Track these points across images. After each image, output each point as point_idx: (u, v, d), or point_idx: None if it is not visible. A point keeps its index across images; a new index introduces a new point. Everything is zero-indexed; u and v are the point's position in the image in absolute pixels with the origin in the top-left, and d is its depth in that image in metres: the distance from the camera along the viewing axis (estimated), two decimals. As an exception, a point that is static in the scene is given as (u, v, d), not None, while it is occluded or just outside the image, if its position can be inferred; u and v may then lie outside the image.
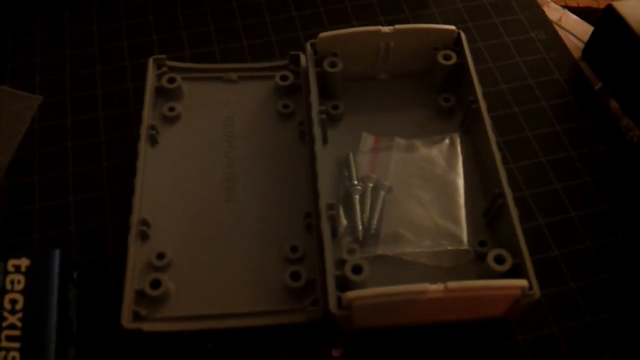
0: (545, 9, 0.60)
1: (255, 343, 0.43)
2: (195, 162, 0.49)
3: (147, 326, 0.42)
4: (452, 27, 0.51)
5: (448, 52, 0.51)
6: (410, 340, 0.43)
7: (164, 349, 0.42)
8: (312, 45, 0.51)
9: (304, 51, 0.52)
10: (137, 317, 0.42)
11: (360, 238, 0.45)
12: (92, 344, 0.42)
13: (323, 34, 0.50)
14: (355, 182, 0.47)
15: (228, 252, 0.45)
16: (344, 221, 0.46)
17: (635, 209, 0.49)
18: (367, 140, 0.50)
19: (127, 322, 0.41)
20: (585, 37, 0.57)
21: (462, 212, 0.45)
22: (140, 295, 0.43)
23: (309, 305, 0.43)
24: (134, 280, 0.43)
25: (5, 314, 0.39)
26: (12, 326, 0.39)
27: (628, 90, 0.54)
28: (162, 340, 0.42)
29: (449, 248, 0.44)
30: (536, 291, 0.40)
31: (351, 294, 0.39)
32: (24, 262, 0.41)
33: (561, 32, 0.59)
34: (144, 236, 0.45)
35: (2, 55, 0.55)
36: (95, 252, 0.46)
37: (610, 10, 0.52)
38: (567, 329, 0.44)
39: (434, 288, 0.39)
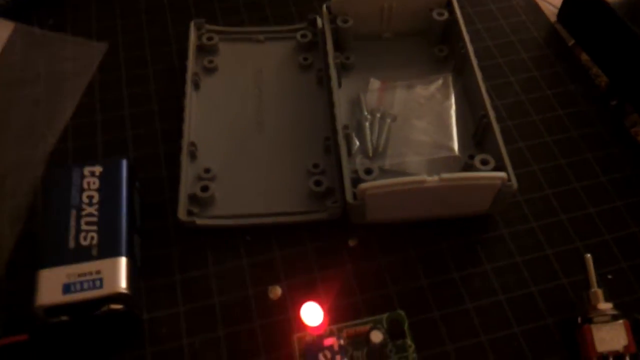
0: (524, -19, 0.70)
1: (285, 237, 0.52)
2: (231, 103, 0.59)
3: (199, 221, 0.51)
4: (444, -11, 0.61)
5: (441, 10, 0.61)
6: (412, 233, 0.52)
7: (212, 241, 0.51)
8: (328, 7, 0.61)
9: (320, 16, 0.62)
10: (190, 213, 0.51)
11: (371, 155, 0.55)
12: (153, 235, 0.51)
13: (336, -3, 0.60)
14: (366, 113, 0.57)
15: (262, 168, 0.55)
16: (357, 142, 0.55)
17: (602, 134, 0.58)
18: (375, 84, 0.60)
19: (182, 216, 0.51)
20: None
21: (454, 129, 0.55)
22: (192, 197, 0.52)
23: (330, 205, 0.52)
24: (187, 185, 0.52)
25: (84, 205, 0.48)
26: (90, 214, 0.48)
27: (597, 45, 0.63)
28: (210, 234, 0.52)
29: (443, 155, 0.53)
30: (514, 183, 0.49)
31: (364, 185, 0.48)
32: (97, 169, 0.50)
33: (538, 1, 0.69)
34: (192, 156, 0.55)
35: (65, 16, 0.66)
36: (150, 173, 0.55)
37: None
38: (544, 224, 0.53)
39: (431, 179, 0.48)
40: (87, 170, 0.50)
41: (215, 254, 0.51)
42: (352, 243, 0.52)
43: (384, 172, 0.54)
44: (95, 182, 0.50)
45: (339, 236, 0.52)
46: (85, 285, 0.45)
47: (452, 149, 0.54)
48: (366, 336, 0.42)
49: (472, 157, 0.53)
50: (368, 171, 0.51)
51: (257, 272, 0.50)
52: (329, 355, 0.41)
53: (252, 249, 0.51)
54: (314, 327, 0.41)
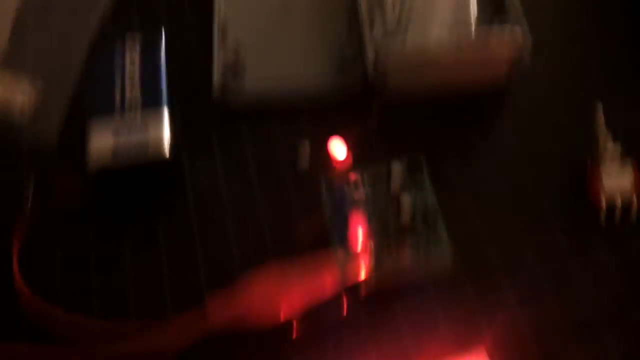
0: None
1: (312, 115, 0.56)
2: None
3: (232, 104, 0.56)
4: None
5: None
6: (434, 110, 0.55)
7: (246, 120, 0.56)
8: None
9: None
10: (223, 95, 0.56)
11: (393, 27, 0.57)
12: (189, 119, 0.55)
13: None
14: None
15: (289, 47, 0.59)
16: (379, 15, 0.58)
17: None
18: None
19: (216, 96, 0.56)
20: None
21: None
22: (224, 80, 0.56)
23: (354, 77, 0.56)
24: (219, 68, 0.57)
25: (128, 74, 0.53)
26: (133, 83, 0.53)
27: None
28: (244, 114, 0.56)
29: (463, 25, 0.56)
30: (529, 42, 0.52)
31: (387, 56, 0.52)
32: (136, 43, 0.55)
33: None
34: (224, 36, 0.59)
35: None
36: (182, 57, 0.59)
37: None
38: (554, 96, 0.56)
39: (450, 44, 0.52)
40: (127, 42, 0.55)
41: (249, 130, 0.55)
42: (372, 123, 0.55)
43: (406, 44, 0.56)
44: (135, 54, 0.54)
45: (361, 113, 0.55)
46: (132, 150, 0.49)
47: (471, 20, 0.56)
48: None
49: (490, 24, 0.55)
50: (390, 43, 0.54)
51: (287, 136, 0.54)
52: (353, 187, 0.46)
53: (282, 126, 0.55)
54: (339, 162, 0.45)
